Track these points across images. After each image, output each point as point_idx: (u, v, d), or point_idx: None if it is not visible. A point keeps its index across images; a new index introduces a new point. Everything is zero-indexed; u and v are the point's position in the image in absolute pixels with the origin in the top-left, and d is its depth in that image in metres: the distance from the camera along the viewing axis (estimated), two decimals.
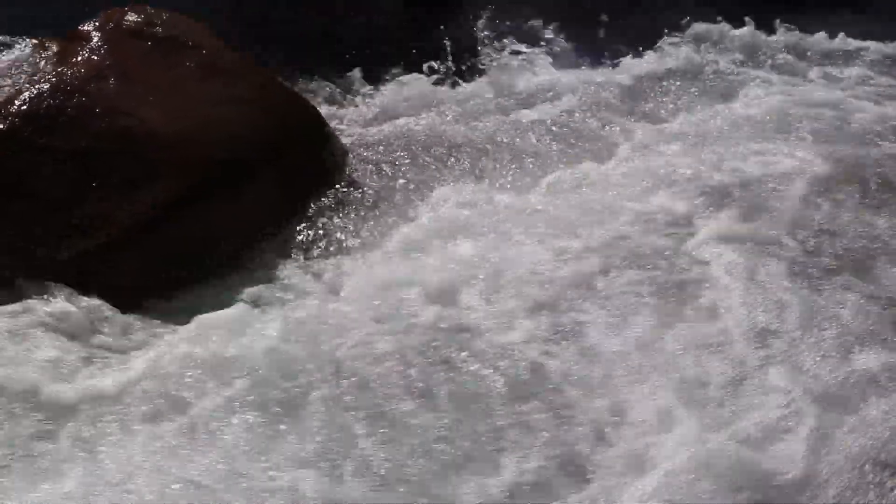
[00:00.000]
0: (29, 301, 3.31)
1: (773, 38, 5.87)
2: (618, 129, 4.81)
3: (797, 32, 5.91)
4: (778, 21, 5.93)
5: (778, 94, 5.16)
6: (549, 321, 3.32)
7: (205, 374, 3.05)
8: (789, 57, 5.71)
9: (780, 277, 3.53)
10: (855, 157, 4.41)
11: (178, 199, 3.64)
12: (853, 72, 5.57)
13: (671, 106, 5.11)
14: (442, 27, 5.51)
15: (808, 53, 5.78)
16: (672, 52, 5.64)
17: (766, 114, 4.90)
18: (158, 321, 3.45)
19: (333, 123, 4.59)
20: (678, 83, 5.33)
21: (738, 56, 5.69)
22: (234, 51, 4.12)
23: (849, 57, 5.76)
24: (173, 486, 2.66)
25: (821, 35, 5.89)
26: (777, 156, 4.41)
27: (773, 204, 4.03)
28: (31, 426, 2.87)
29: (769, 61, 5.67)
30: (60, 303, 3.31)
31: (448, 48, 5.38)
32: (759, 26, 5.89)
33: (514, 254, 3.67)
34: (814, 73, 5.56)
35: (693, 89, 5.28)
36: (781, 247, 3.72)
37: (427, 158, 4.47)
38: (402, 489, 2.69)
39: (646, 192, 4.11)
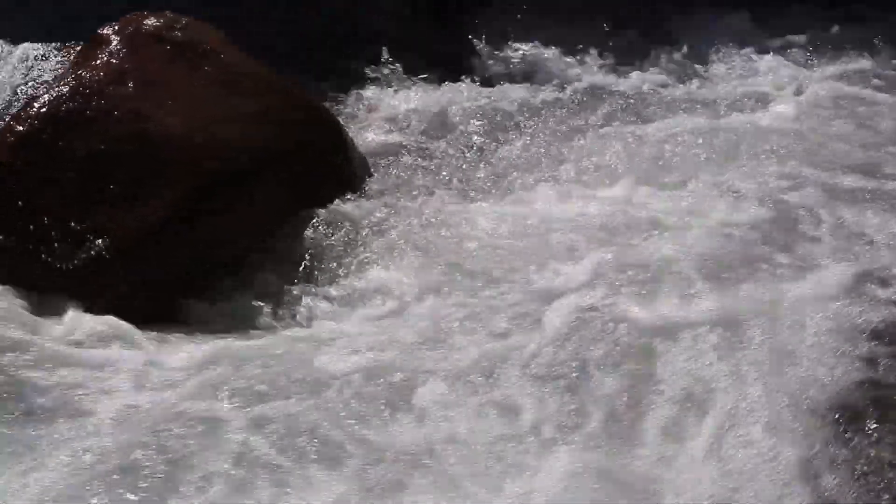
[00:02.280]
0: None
1: None
2: None
3: None
4: None
5: None
6: None
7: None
8: None
9: None
10: None
11: (193, 202, 3.68)
12: None
13: None
14: (445, 29, 5.47)
15: None
16: None
17: None
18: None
19: None
20: None
21: None
22: (252, 57, 4.12)
23: None
24: None
25: None
26: None
27: None
28: None
29: None
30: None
31: (455, 51, 5.33)
32: None
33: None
34: None
35: None
36: None
37: (440, 165, 4.44)
38: None
39: None
